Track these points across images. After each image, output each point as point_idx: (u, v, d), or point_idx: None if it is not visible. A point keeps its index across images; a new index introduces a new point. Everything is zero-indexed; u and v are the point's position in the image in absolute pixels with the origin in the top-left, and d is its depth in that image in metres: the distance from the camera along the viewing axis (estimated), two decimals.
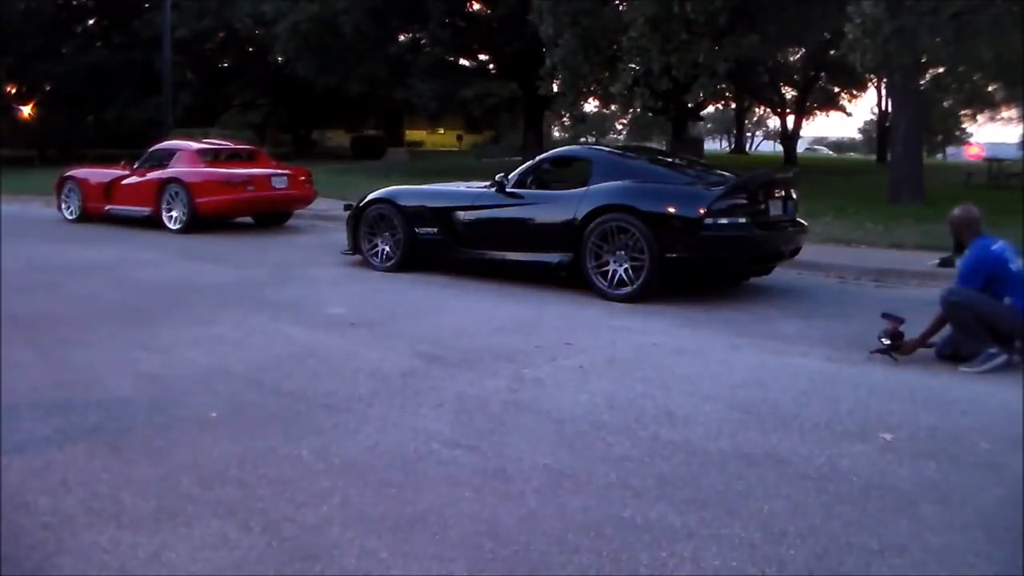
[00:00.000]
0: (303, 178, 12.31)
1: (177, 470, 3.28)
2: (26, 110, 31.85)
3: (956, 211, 5.52)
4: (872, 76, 29.13)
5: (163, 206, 11.45)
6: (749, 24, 18.09)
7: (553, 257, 7.26)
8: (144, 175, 11.97)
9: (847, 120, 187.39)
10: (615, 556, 2.65)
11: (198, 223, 11.21)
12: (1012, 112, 39.04)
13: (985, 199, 16.09)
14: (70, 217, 12.64)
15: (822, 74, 35.64)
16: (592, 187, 7.16)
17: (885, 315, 5.16)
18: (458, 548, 2.69)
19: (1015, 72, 17.44)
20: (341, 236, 9.18)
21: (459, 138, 46.61)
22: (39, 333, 5.49)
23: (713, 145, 64.29)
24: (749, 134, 63.98)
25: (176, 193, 11.35)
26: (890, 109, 21.58)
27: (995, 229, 10.50)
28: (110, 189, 12.20)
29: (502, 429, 3.79)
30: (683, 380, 4.60)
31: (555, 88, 20.09)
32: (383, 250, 8.35)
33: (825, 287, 7.89)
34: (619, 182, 7.05)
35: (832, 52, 26.80)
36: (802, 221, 7.75)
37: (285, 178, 11.90)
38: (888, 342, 5.07)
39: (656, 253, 6.67)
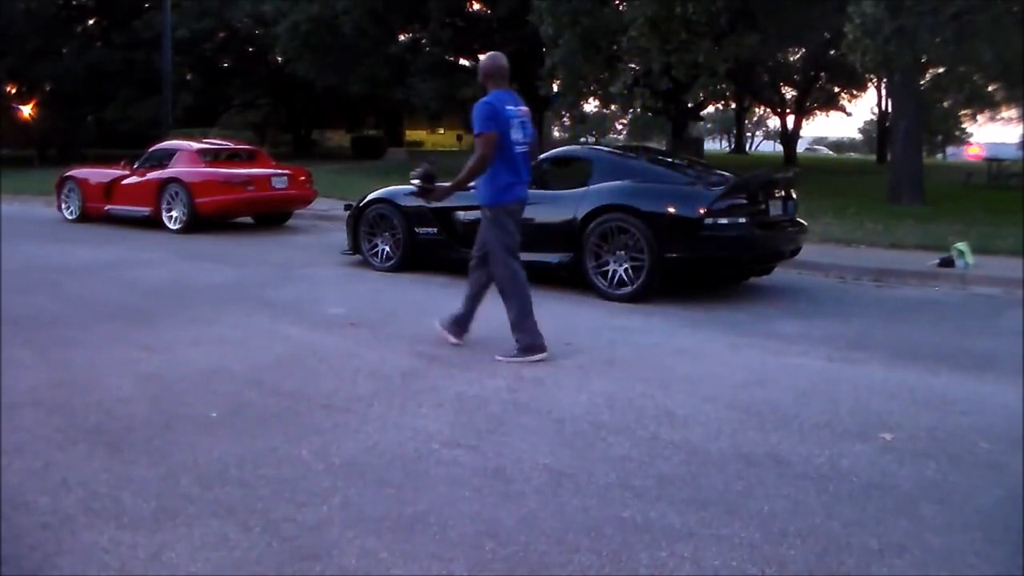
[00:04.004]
0: (303, 178, 12.31)
1: (177, 470, 3.28)
2: (26, 110, 31.83)
3: (483, 57, 5.24)
4: (872, 76, 29.13)
5: (163, 206, 11.45)
6: (749, 24, 18.10)
7: (553, 257, 7.26)
8: (144, 175, 11.97)
9: (847, 120, 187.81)
10: (615, 556, 2.65)
11: (198, 223, 11.21)
12: (1012, 112, 39.06)
13: (985, 199, 16.15)
14: (70, 217, 12.65)
15: (822, 74, 35.67)
16: (592, 187, 7.16)
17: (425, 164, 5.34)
18: (458, 548, 2.69)
19: (1015, 72, 17.43)
20: (341, 236, 9.18)
21: (459, 138, 46.59)
22: (39, 333, 5.49)
23: (713, 145, 64.34)
24: (749, 134, 64.03)
25: (176, 193, 11.35)
26: (890, 109, 21.58)
27: (995, 229, 10.56)
28: (110, 189, 12.20)
29: (502, 429, 3.79)
30: (683, 380, 4.60)
31: (555, 88, 20.10)
32: (383, 250, 8.35)
33: (825, 287, 7.89)
34: (619, 182, 7.06)
35: (832, 52, 26.81)
36: (802, 221, 7.75)
37: (285, 178, 11.91)
38: (419, 182, 5.24)
39: (656, 253, 6.67)
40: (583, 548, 2.70)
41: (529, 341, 4.99)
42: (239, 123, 38.78)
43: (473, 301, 5.34)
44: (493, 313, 6.37)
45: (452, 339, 5.32)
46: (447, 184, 5.21)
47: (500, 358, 4.96)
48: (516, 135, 4.99)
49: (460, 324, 5.35)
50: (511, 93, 5.08)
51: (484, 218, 5.10)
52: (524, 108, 5.14)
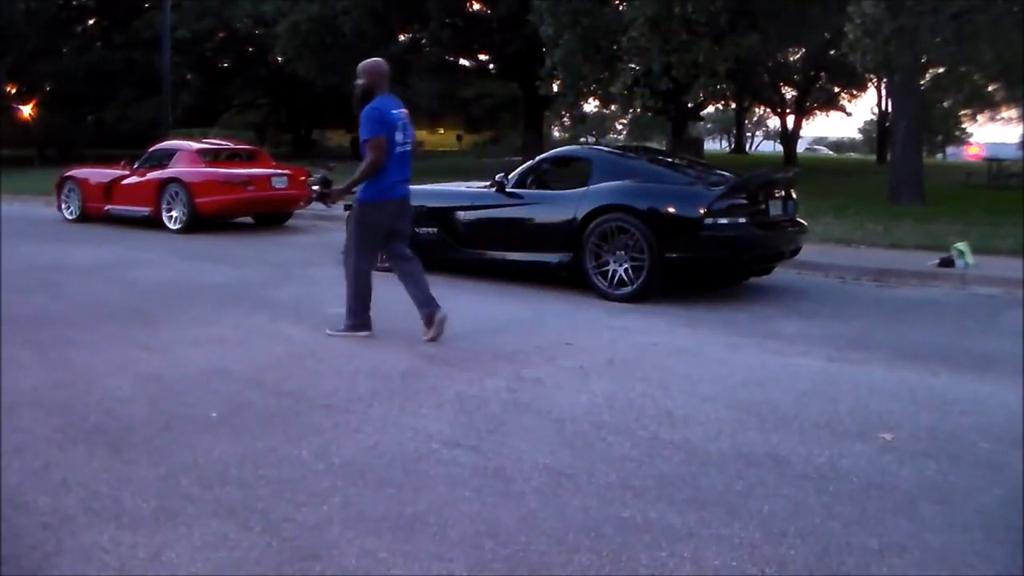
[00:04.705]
0: (303, 178, 12.30)
1: (177, 470, 3.28)
2: (26, 110, 31.86)
3: (368, 61, 5.53)
4: (872, 76, 29.13)
5: (163, 206, 11.45)
6: (749, 24, 18.09)
7: (553, 257, 7.26)
8: (144, 175, 11.98)
9: (847, 120, 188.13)
10: (615, 556, 2.65)
11: (198, 223, 11.21)
12: (1012, 112, 39.01)
13: (985, 199, 16.15)
14: (70, 217, 12.66)
15: (822, 74, 35.67)
16: (592, 187, 7.16)
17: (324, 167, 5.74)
18: (458, 548, 2.69)
19: (1015, 72, 17.44)
20: (341, 236, 9.16)
21: (459, 138, 46.65)
22: (39, 333, 5.49)
23: (713, 145, 64.32)
24: (749, 134, 63.99)
25: (176, 193, 11.35)
26: (890, 109, 21.59)
27: (995, 229, 10.55)
28: (110, 189, 12.21)
29: (502, 429, 3.79)
30: (683, 380, 4.60)
31: (555, 88, 20.09)
32: None
33: (825, 287, 7.89)
34: (619, 182, 7.06)
35: (832, 52, 26.80)
36: (802, 221, 7.76)
37: (285, 178, 11.91)
38: (318, 188, 5.62)
39: (656, 253, 6.67)
40: (583, 548, 2.70)
41: (356, 321, 5.52)
42: (239, 123, 38.82)
43: (416, 289, 5.54)
44: (495, 312, 6.39)
45: (431, 333, 5.43)
46: (340, 187, 5.67)
47: (329, 332, 5.52)
48: (399, 136, 5.35)
49: (427, 317, 5.48)
50: (393, 97, 5.44)
51: (354, 211, 5.50)
52: (405, 111, 5.48)
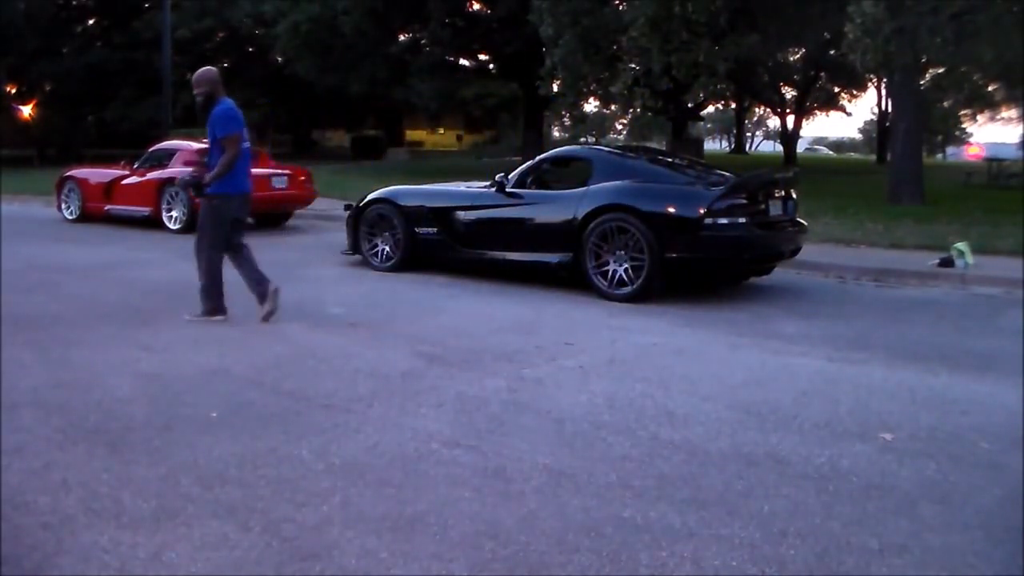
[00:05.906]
0: (303, 178, 12.30)
1: (177, 470, 3.28)
2: (26, 110, 31.85)
3: (201, 71, 6.03)
4: (872, 76, 29.13)
5: (163, 206, 11.45)
6: (749, 24, 18.09)
7: (553, 257, 7.26)
8: (144, 175, 11.97)
9: (847, 120, 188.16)
10: (615, 556, 2.65)
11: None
12: (1012, 112, 38.98)
13: (985, 199, 16.15)
14: (70, 217, 12.65)
15: (822, 74, 35.67)
16: (592, 187, 7.16)
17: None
18: (458, 548, 2.69)
19: (1015, 72, 17.43)
20: (341, 236, 9.18)
21: (459, 138, 46.56)
22: (39, 333, 5.49)
23: (713, 145, 64.31)
24: (749, 134, 63.98)
25: (176, 193, 11.35)
26: (890, 109, 21.59)
27: (995, 229, 10.55)
28: (110, 189, 12.21)
29: (502, 429, 3.79)
30: (683, 380, 4.60)
31: (555, 88, 20.08)
32: (383, 250, 8.35)
33: (825, 287, 7.89)
34: (619, 182, 7.06)
35: (832, 52, 26.80)
36: (802, 221, 7.76)
37: (285, 178, 11.91)
38: (193, 187, 6.02)
39: (656, 253, 6.67)
40: (583, 548, 2.70)
41: (212, 305, 5.94)
42: None
43: (249, 271, 6.04)
44: (494, 312, 6.39)
45: (267, 308, 5.88)
46: (206, 180, 6.01)
47: (188, 317, 5.91)
48: (246, 133, 5.93)
49: (260, 294, 5.95)
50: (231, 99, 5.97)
51: (208, 206, 5.94)
52: None
